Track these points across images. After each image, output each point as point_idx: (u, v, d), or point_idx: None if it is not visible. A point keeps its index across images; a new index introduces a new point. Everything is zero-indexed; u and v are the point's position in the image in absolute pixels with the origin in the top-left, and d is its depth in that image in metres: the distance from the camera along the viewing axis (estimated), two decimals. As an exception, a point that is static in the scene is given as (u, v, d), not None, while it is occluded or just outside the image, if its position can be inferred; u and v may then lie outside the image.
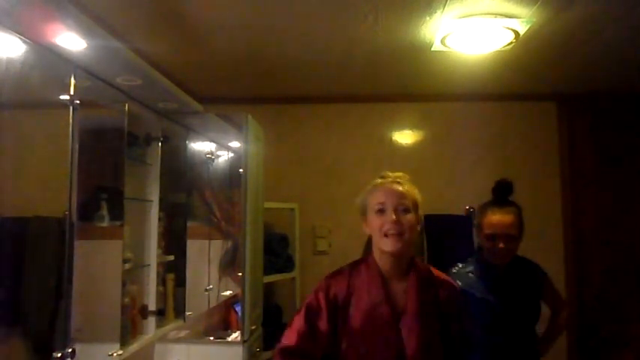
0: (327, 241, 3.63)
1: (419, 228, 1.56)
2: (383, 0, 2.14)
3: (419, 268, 1.58)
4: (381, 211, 1.52)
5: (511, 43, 2.48)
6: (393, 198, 1.52)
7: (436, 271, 1.62)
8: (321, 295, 1.53)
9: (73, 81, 1.56)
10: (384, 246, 1.50)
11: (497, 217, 1.99)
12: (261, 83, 3.40)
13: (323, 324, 1.50)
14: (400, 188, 1.54)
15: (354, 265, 1.59)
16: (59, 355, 1.45)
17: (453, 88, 3.43)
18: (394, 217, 1.49)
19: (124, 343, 1.89)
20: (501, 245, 1.97)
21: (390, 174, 1.60)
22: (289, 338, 1.51)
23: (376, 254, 1.56)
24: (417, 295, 1.51)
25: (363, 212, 1.59)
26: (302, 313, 1.53)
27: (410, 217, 1.51)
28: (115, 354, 1.77)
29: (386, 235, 1.49)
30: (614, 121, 3.56)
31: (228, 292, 2.89)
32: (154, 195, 2.28)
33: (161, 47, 2.61)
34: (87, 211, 1.76)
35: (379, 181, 1.59)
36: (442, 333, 1.51)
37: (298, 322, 1.52)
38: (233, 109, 3.26)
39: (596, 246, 3.47)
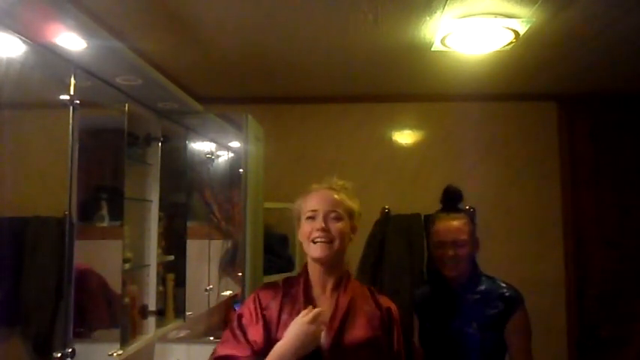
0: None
1: (352, 237, 1.55)
2: (383, 0, 2.14)
3: (354, 285, 1.55)
4: (311, 218, 1.51)
5: (511, 43, 2.48)
6: (324, 205, 1.51)
7: (377, 291, 1.60)
8: (253, 307, 1.49)
9: (73, 81, 1.56)
10: (312, 252, 1.49)
11: (444, 224, 1.96)
12: (261, 83, 3.39)
13: (256, 334, 1.45)
14: (335, 195, 1.53)
15: (289, 279, 1.57)
16: (59, 355, 1.45)
17: (453, 88, 3.43)
18: (323, 224, 1.48)
19: (124, 343, 1.89)
20: (450, 252, 1.91)
21: (330, 180, 1.59)
22: (224, 348, 1.45)
23: (309, 265, 1.55)
24: (348, 303, 1.48)
25: (298, 218, 1.57)
26: (235, 324, 1.49)
27: (341, 225, 1.49)
28: (115, 354, 1.77)
29: (314, 242, 1.48)
30: (615, 121, 3.55)
31: (228, 292, 2.89)
32: (154, 195, 2.28)
33: (161, 47, 2.61)
34: (87, 211, 1.76)
35: (314, 186, 1.59)
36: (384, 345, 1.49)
37: (232, 333, 1.48)
38: (233, 109, 3.25)
39: (596, 246, 3.46)
